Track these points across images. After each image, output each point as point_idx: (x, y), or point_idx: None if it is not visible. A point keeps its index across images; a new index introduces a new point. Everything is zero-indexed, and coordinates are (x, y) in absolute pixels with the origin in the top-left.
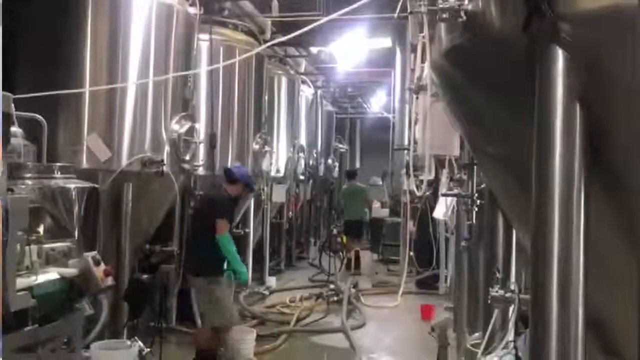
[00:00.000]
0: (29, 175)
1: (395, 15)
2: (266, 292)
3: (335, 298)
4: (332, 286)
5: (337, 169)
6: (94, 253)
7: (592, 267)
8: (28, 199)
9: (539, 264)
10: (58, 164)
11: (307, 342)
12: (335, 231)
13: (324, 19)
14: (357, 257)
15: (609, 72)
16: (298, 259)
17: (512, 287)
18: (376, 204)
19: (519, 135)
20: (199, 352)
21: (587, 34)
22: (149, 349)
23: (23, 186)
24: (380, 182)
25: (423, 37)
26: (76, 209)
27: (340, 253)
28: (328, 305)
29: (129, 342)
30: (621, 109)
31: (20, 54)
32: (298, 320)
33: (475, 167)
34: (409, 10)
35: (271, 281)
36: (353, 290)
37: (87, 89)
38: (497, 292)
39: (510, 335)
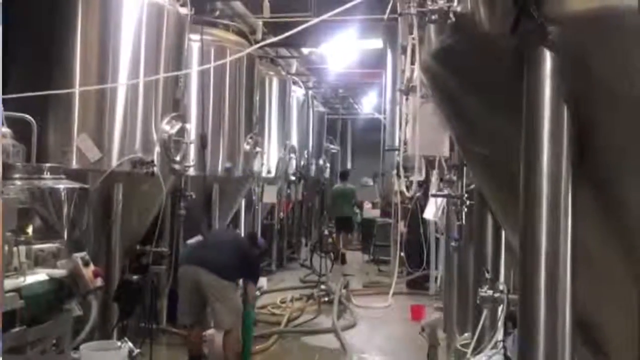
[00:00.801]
0: (18, 175)
1: (385, 16)
2: (257, 293)
3: (326, 299)
4: (323, 287)
5: (328, 169)
6: (83, 254)
7: (579, 267)
8: (17, 199)
9: (527, 264)
10: (47, 164)
11: (298, 342)
12: (326, 232)
13: (315, 20)
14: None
15: (596, 74)
16: (289, 260)
17: (501, 287)
18: (367, 205)
19: (507, 135)
20: (195, 356)
21: (574, 36)
22: (139, 350)
23: (12, 187)
24: (372, 183)
25: (413, 38)
26: (65, 209)
27: (332, 254)
28: (319, 305)
29: (119, 343)
30: (608, 109)
31: (9, 54)
32: (289, 320)
33: (464, 167)
34: (399, 12)
35: (262, 282)
36: (344, 291)
37: (77, 89)
38: (486, 292)
39: (499, 335)
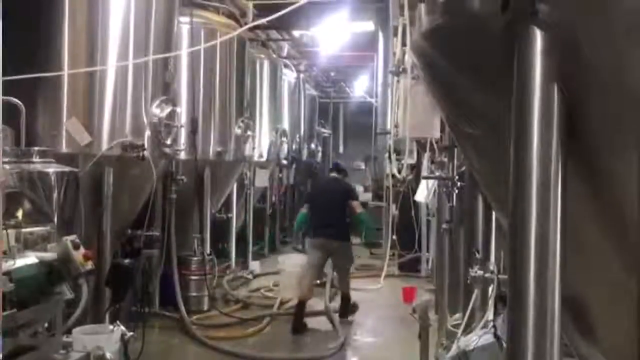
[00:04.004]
0: (7, 159)
1: None
2: (250, 277)
3: (318, 281)
4: None
5: (320, 153)
6: (73, 237)
7: (569, 247)
8: (4, 183)
9: (517, 245)
10: (36, 148)
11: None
12: None
13: (305, 0)
14: None
15: (588, 53)
16: (282, 244)
17: (492, 267)
18: (359, 188)
19: (498, 116)
20: (346, 296)
21: (566, 15)
22: (131, 334)
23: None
24: (364, 167)
25: (404, 19)
26: (55, 193)
27: None
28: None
29: (111, 327)
30: (599, 90)
31: None
32: (281, 303)
33: (455, 149)
34: None
35: (255, 265)
36: (336, 274)
37: (65, 72)
38: (476, 272)
39: (490, 315)
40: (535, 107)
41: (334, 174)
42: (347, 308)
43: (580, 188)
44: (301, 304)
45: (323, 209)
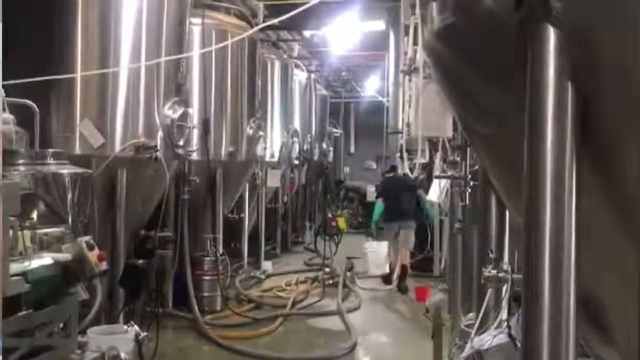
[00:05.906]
0: (21, 161)
1: None
2: (262, 277)
3: (331, 281)
4: (327, 269)
5: (331, 153)
6: (87, 238)
7: (583, 245)
8: (19, 184)
9: (531, 243)
10: (51, 150)
11: (303, 325)
12: (330, 215)
13: (316, 0)
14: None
15: (602, 51)
16: (294, 244)
17: (505, 267)
18: (371, 188)
19: (511, 115)
20: (405, 266)
21: (579, 12)
22: (145, 334)
23: (16, 172)
24: (375, 166)
25: (415, 17)
26: (70, 194)
27: (335, 237)
28: (324, 288)
29: (125, 327)
30: (613, 88)
31: (10, 40)
32: (294, 303)
33: (468, 148)
34: None
35: (267, 265)
36: (348, 274)
37: (78, 74)
38: (490, 272)
39: (504, 315)
40: (549, 105)
41: (392, 173)
42: (405, 275)
43: (594, 185)
44: (392, 267)
45: (398, 199)
